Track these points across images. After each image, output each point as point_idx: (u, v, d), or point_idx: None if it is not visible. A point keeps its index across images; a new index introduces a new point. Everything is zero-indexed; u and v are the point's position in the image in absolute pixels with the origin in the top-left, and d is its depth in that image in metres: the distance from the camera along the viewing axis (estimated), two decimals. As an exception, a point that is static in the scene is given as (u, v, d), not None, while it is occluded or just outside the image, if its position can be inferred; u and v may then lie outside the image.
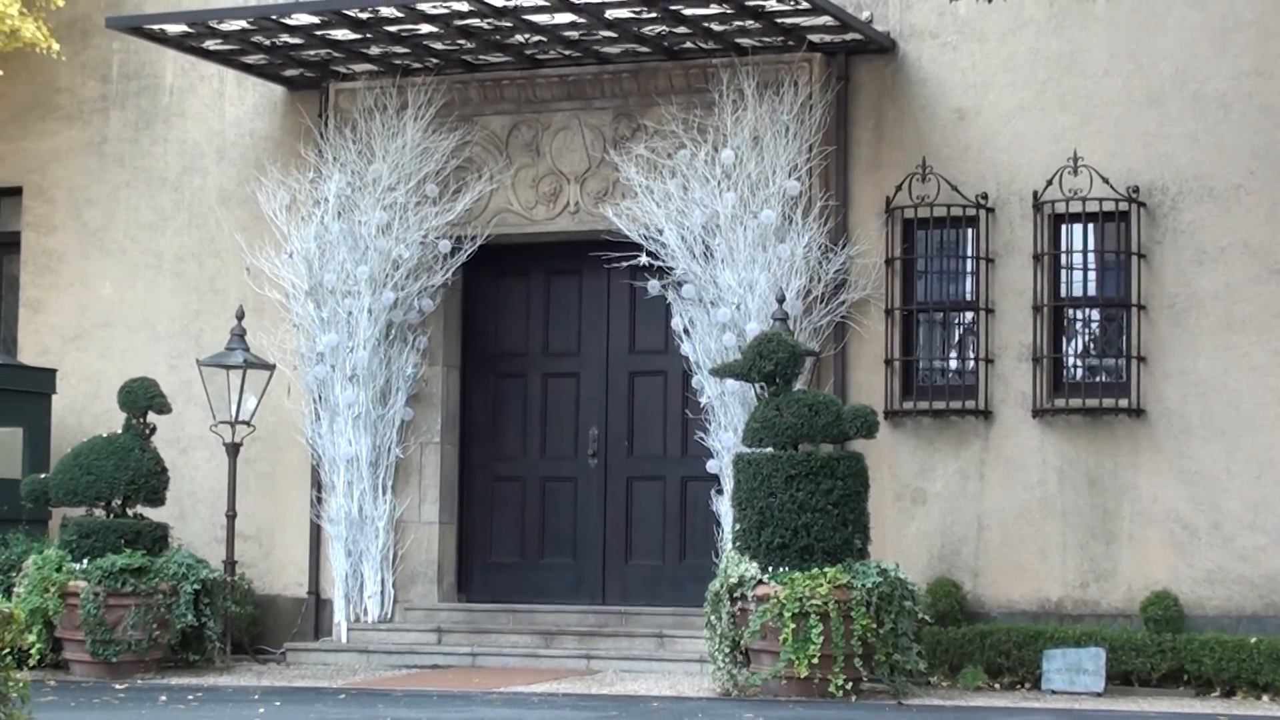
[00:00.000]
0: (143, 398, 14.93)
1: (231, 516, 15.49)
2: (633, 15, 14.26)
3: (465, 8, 14.27)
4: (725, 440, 14.61)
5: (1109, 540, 14.24)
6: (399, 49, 15.32)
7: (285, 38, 15.15)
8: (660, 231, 14.88)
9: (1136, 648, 13.47)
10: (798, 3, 13.96)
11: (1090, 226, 14.50)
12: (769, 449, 13.13)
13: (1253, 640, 13.19)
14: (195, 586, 14.50)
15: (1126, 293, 14.34)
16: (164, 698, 12.72)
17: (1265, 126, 13.99)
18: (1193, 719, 11.95)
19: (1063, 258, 14.61)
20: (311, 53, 15.53)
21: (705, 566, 14.56)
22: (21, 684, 9.57)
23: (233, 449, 15.46)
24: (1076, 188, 14.30)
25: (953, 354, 15.03)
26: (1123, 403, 14.22)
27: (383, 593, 15.72)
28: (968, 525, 14.55)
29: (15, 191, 17.39)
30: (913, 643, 12.89)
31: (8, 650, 9.47)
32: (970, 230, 14.72)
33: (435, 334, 16.03)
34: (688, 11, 14.16)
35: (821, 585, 12.54)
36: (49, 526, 15.80)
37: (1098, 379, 14.48)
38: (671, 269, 14.91)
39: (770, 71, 14.96)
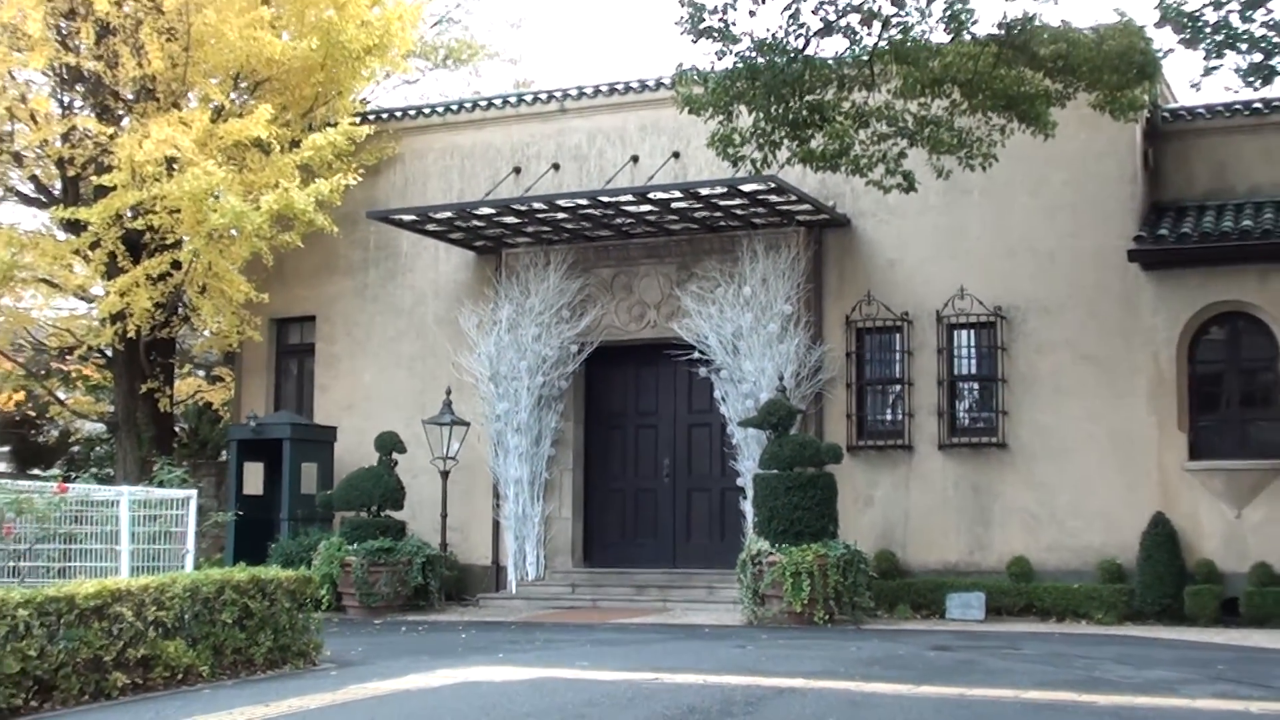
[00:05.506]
0: (389, 443, 15.59)
1: (444, 516, 16.22)
2: (688, 206, 15.12)
3: (585, 203, 15.08)
4: (748, 465, 15.21)
5: (986, 525, 14.79)
6: (545, 228, 16.10)
7: (475, 222, 15.97)
8: (706, 338, 15.49)
9: (1004, 591, 14.19)
10: (788, 197, 14.69)
11: (972, 332, 15.06)
12: (775, 470, 13.61)
13: (1075, 586, 14.03)
14: (423, 559, 15.10)
15: (995, 372, 14.92)
16: (404, 628, 13.35)
17: (1076, 269, 14.76)
18: (1038, 635, 12.30)
19: (955, 350, 15.15)
20: (491, 230, 16.32)
21: (737, 544, 15.08)
22: (318, 620, 10.33)
23: (444, 475, 16.11)
24: (963, 308, 15.05)
25: (888, 411, 15.40)
26: (993, 440, 14.85)
27: (537, 562, 16.19)
28: (899, 517, 15.07)
29: (311, 318, 18.08)
30: (866, 590, 13.49)
31: (309, 600, 10.12)
32: (898, 334, 15.28)
33: (568, 402, 16.54)
34: (722, 204, 14.96)
35: (809, 555, 13.05)
36: (332, 524, 16.37)
37: (978, 424, 15.03)
38: (713, 361, 15.46)
39: (773, 238, 15.56)
